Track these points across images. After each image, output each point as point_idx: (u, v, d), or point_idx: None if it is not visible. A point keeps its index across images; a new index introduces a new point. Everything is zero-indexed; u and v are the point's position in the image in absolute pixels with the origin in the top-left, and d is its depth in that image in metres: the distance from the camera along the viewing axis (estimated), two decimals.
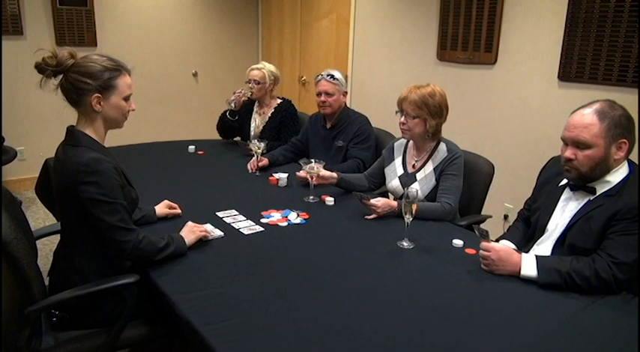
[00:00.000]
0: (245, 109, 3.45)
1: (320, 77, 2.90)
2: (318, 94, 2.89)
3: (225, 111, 3.41)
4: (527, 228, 1.96)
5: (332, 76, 2.86)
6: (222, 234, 1.95)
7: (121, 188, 1.65)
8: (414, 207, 1.88)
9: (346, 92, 2.97)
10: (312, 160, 2.38)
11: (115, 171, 1.62)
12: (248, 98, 3.38)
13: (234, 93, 3.36)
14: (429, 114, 2.20)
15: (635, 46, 2.63)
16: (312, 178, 2.37)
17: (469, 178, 2.34)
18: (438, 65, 3.72)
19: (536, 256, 1.66)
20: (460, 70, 3.58)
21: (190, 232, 1.83)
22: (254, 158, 2.82)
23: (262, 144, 2.78)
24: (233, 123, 3.40)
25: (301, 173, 2.52)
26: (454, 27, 3.53)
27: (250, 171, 2.83)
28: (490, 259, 1.67)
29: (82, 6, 4.48)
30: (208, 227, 1.94)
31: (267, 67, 3.33)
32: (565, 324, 1.43)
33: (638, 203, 1.56)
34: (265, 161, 2.87)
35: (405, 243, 1.90)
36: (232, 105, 3.34)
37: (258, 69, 3.31)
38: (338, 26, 4.60)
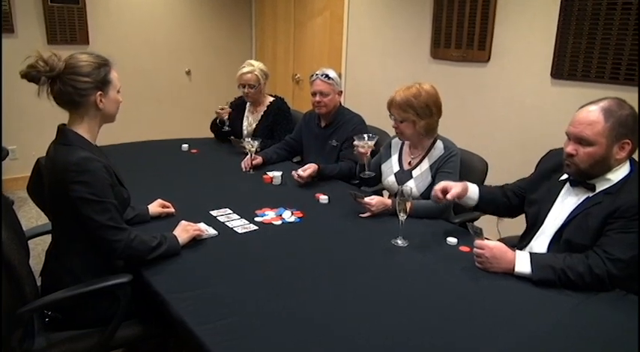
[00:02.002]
0: (237, 109, 3.45)
1: (315, 76, 2.87)
2: (313, 94, 2.87)
3: (216, 119, 3.41)
4: (503, 198, 2.02)
5: (327, 76, 2.83)
6: (216, 232, 1.95)
7: (112, 187, 1.64)
8: (409, 204, 1.88)
9: (341, 91, 2.94)
10: (365, 135, 2.36)
11: (105, 170, 1.61)
12: (235, 102, 3.42)
13: (216, 112, 3.35)
14: (416, 115, 2.20)
15: (628, 44, 2.65)
16: (367, 152, 2.34)
17: (463, 176, 2.33)
18: (431, 63, 3.73)
19: (530, 253, 1.67)
20: (454, 68, 3.58)
21: (184, 231, 1.82)
22: (248, 156, 2.81)
23: (256, 143, 2.77)
24: (224, 129, 3.40)
25: (295, 175, 2.54)
26: (447, 24, 3.54)
27: (244, 169, 2.82)
28: (484, 257, 1.68)
29: (73, 3, 4.44)
30: (202, 226, 1.93)
31: (257, 67, 3.25)
32: (559, 321, 1.43)
33: (638, 201, 1.56)
34: (259, 159, 2.86)
35: (399, 241, 1.90)
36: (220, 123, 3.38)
37: (250, 72, 3.21)
38: (332, 24, 4.59)
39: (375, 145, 2.38)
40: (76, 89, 1.60)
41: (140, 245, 1.66)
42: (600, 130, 1.59)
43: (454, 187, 1.94)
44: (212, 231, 1.94)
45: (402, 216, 1.89)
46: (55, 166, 1.59)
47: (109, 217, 1.60)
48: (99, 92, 1.62)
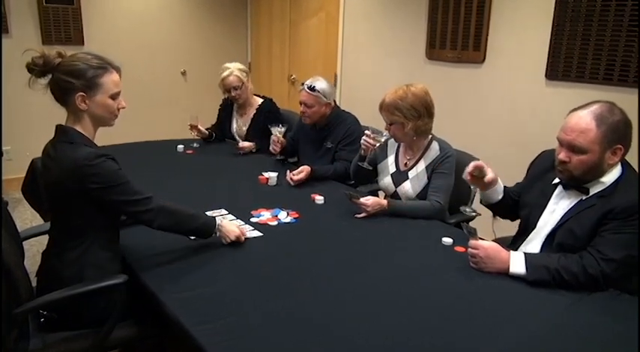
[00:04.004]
0: (224, 112, 3.45)
1: (302, 86, 2.84)
2: (300, 103, 2.86)
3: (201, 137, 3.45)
4: (509, 201, 2.00)
5: (312, 88, 2.76)
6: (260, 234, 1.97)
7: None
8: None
9: (329, 103, 2.85)
10: (381, 131, 2.33)
11: (113, 161, 1.63)
12: (223, 104, 3.47)
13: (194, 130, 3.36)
14: (403, 117, 2.20)
15: (622, 45, 2.67)
16: (374, 145, 2.33)
17: (458, 176, 2.35)
18: (427, 64, 3.74)
19: (525, 253, 1.67)
20: (449, 69, 3.59)
21: (228, 224, 1.89)
22: (275, 141, 2.88)
23: (283, 129, 2.86)
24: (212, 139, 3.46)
25: (288, 178, 2.57)
26: (443, 25, 3.55)
27: (273, 151, 2.92)
28: (478, 257, 1.68)
29: (68, 4, 4.43)
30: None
31: (234, 67, 3.21)
32: (558, 321, 1.44)
33: (638, 201, 1.56)
34: (283, 141, 2.92)
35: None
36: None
37: (229, 75, 3.19)
38: (327, 24, 4.60)
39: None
40: (59, 87, 1.60)
41: (177, 209, 1.74)
42: (593, 138, 1.58)
43: (490, 171, 1.89)
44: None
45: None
46: (61, 164, 1.59)
47: (134, 192, 1.65)
48: (80, 93, 1.60)
